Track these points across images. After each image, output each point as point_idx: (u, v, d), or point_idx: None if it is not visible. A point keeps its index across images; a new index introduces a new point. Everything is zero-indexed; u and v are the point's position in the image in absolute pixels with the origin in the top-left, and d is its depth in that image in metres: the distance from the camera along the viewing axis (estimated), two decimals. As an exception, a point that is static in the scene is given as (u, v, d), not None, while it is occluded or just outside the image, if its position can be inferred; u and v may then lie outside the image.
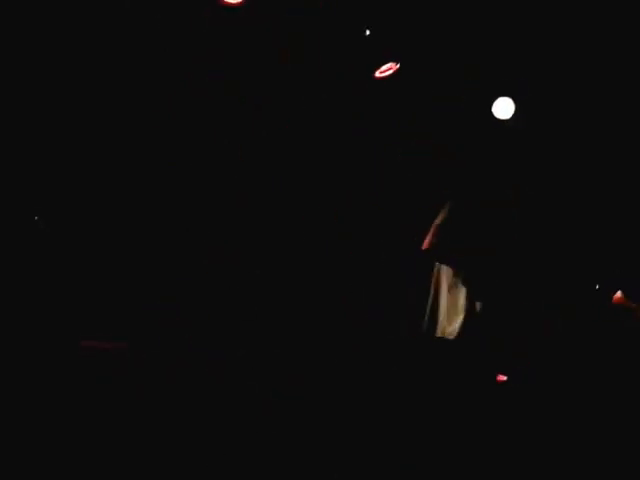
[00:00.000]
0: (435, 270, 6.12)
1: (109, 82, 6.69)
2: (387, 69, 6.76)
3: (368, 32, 6.69)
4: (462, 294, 6.02)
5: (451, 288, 6.07)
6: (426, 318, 6.12)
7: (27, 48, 6.43)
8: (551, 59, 6.79)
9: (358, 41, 6.76)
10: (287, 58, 6.82)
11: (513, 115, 6.89)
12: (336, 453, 5.76)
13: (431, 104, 7.02)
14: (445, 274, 6.08)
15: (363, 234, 7.15)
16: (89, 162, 6.74)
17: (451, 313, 6.04)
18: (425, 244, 5.90)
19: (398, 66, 6.75)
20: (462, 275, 6.00)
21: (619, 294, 6.23)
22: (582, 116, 6.91)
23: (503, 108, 6.91)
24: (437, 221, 5.94)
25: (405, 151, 7.15)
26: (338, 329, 6.72)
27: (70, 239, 6.60)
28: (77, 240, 6.63)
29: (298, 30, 6.73)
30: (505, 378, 6.02)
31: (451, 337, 5.99)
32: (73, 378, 5.88)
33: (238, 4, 6.26)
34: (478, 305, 5.97)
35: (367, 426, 5.94)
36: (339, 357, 6.51)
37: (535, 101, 6.92)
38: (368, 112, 7.09)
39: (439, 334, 6.07)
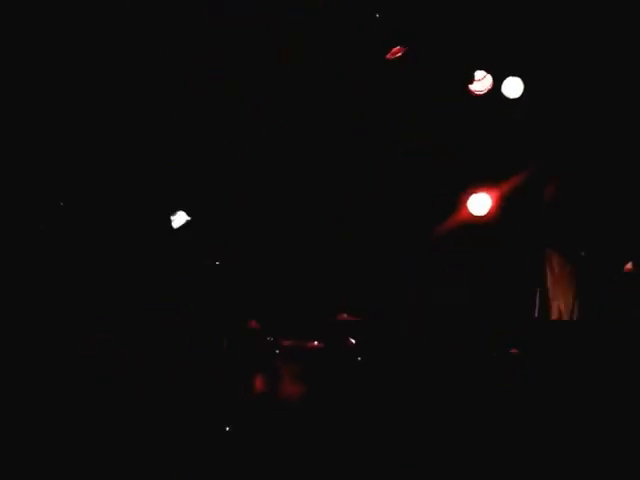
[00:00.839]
0: (546, 257, 6.65)
1: (110, 82, 6.69)
2: (397, 50, 6.80)
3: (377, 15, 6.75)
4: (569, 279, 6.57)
5: (558, 274, 6.50)
6: (539, 304, 6.65)
7: (28, 48, 6.43)
8: (557, 43, 6.82)
9: (359, 35, 6.81)
10: (287, 58, 6.83)
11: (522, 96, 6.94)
12: (336, 453, 5.75)
13: (431, 103, 7.04)
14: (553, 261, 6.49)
15: (363, 234, 7.15)
16: (89, 161, 6.74)
17: (558, 297, 6.61)
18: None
19: (407, 48, 6.81)
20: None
21: (630, 265, 6.53)
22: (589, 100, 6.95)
23: (512, 87, 6.94)
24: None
25: (405, 152, 7.15)
26: (338, 329, 6.71)
27: (70, 239, 6.61)
28: (77, 240, 6.63)
29: (298, 29, 6.74)
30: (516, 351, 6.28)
31: (567, 318, 6.59)
32: (73, 377, 5.88)
33: None
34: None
35: (366, 426, 5.94)
36: (339, 357, 6.51)
37: (543, 82, 6.96)
38: (368, 112, 7.09)
39: (555, 317, 6.64)
